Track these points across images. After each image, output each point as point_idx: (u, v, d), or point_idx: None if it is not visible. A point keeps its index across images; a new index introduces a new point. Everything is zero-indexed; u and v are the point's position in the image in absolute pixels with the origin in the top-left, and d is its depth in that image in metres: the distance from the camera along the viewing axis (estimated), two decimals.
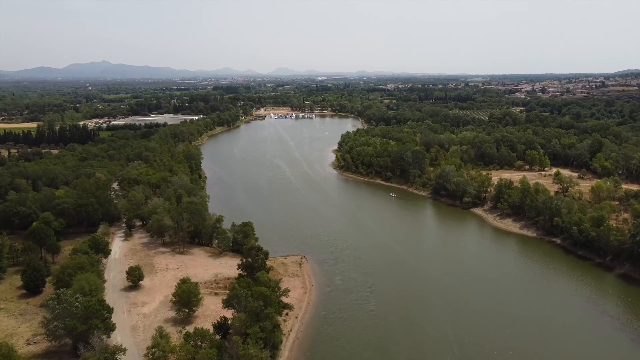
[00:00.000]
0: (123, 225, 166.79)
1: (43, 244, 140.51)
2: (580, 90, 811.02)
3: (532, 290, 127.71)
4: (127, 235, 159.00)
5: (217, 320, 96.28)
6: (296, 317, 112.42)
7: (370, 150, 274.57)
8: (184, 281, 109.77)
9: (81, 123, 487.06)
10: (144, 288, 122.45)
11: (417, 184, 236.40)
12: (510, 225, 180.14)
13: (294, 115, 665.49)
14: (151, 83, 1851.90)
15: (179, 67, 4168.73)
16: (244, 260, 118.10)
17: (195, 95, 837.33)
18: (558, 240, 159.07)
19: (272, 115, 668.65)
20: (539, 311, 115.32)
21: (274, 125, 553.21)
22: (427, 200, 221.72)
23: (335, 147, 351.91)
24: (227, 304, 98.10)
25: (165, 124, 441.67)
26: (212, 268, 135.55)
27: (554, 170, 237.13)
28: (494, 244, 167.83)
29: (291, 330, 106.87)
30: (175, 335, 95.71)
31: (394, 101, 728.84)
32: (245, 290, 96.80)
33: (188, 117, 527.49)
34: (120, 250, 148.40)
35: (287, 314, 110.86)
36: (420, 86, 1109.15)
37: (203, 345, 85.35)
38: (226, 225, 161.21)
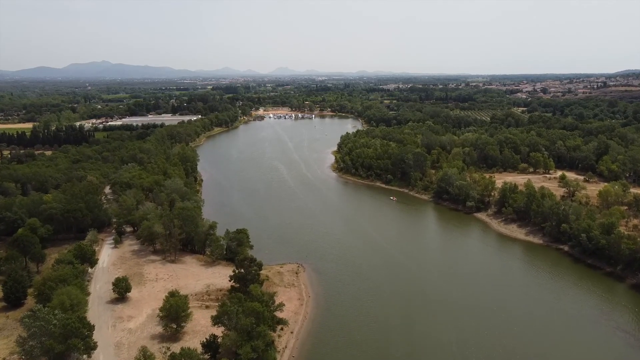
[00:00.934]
0: (113, 231, 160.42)
1: (27, 252, 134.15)
2: (582, 91, 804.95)
3: (541, 302, 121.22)
4: (117, 242, 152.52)
5: (205, 339, 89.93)
6: (291, 332, 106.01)
7: (370, 152, 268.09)
8: (173, 294, 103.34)
9: (77, 124, 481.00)
10: (131, 300, 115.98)
11: (418, 187, 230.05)
12: (515, 231, 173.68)
13: (293, 115, 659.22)
14: (151, 83, 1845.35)
15: (179, 67, 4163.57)
16: (237, 271, 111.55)
17: (194, 95, 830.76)
18: (566, 248, 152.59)
19: (271, 115, 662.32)
20: (549, 326, 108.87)
21: (273, 126, 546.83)
22: (429, 204, 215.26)
23: (335, 148, 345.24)
24: (216, 321, 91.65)
25: (162, 125, 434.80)
26: (204, 278, 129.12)
27: (559, 173, 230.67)
28: (499, 251, 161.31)
29: (286, 347, 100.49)
30: (160, 356, 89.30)
31: (394, 101, 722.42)
32: (236, 306, 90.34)
33: (186, 118, 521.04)
34: (109, 259, 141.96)
35: (282, 329, 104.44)
36: (420, 86, 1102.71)
37: None
38: (220, 231, 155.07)
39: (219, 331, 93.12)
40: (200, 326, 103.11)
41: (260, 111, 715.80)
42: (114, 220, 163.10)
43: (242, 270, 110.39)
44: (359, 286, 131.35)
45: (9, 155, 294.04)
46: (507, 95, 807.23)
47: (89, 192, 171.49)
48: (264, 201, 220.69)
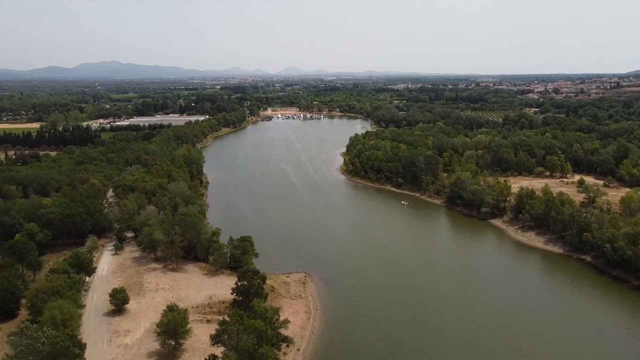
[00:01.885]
0: (114, 237, 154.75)
1: (23, 260, 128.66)
2: (594, 91, 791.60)
3: (564, 318, 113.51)
4: (118, 249, 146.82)
5: (204, 359, 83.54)
6: (298, 350, 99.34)
7: (380, 155, 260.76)
8: (172, 308, 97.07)
9: (85, 124, 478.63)
10: (129, 313, 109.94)
11: (430, 191, 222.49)
12: (533, 239, 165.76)
13: (301, 115, 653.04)
14: (160, 83, 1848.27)
15: (189, 67, 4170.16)
16: (239, 283, 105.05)
17: (202, 95, 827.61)
18: (588, 258, 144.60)
19: (279, 115, 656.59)
20: (573, 345, 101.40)
21: (281, 127, 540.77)
22: (441, 209, 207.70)
23: (344, 149, 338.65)
24: (216, 340, 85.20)
25: (169, 125, 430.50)
26: (206, 288, 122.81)
27: (577, 177, 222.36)
28: (516, 260, 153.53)
29: None
30: None
31: (403, 102, 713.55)
32: (236, 325, 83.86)
33: (193, 118, 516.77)
34: (109, 266, 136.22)
35: (287, 346, 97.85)
36: (430, 86, 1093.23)
37: None
38: (225, 237, 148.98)
39: (219, 351, 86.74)
40: (201, 343, 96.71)
41: (269, 111, 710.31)
42: (115, 225, 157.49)
43: (245, 283, 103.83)
44: (369, 298, 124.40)
45: (14, 156, 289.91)
46: (519, 96, 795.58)
47: (89, 196, 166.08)
48: (270, 205, 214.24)
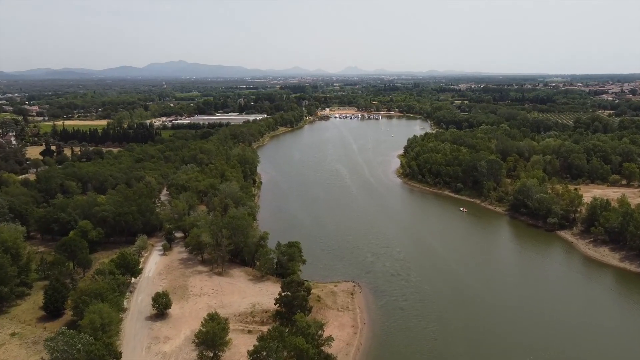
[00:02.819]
0: (164, 237, 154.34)
1: (74, 257, 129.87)
2: None
3: None
4: (166, 249, 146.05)
5: None
6: None
7: (439, 158, 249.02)
8: (212, 317, 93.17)
9: (148, 121, 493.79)
10: (171, 318, 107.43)
11: (491, 198, 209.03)
12: (606, 255, 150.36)
13: (359, 115, 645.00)
14: (223, 82, 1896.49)
15: (251, 67, 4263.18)
16: (283, 294, 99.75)
17: (262, 94, 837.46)
18: None
19: (337, 115, 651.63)
20: None
21: (338, 127, 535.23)
22: (504, 218, 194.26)
23: (401, 151, 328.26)
24: (254, 357, 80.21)
25: (228, 124, 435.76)
26: (250, 295, 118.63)
27: None
28: (587, 278, 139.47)
29: None
30: None
31: (465, 102, 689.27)
32: (276, 342, 78.46)
33: (252, 117, 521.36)
34: (156, 267, 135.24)
35: None
36: (494, 86, 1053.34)
37: None
38: (274, 240, 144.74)
39: None
40: (240, 355, 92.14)
41: (326, 111, 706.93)
42: (166, 225, 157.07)
43: (289, 294, 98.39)
44: (421, 314, 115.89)
45: (79, 152, 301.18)
46: (591, 97, 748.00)
47: (142, 195, 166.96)
48: (322, 208, 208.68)
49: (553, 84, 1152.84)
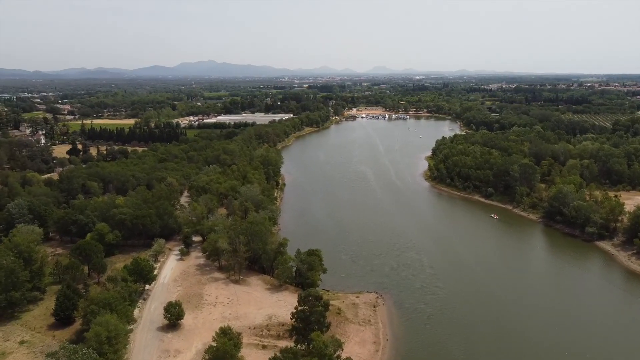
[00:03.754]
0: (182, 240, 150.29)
1: (89, 261, 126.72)
2: None
3: None
4: (183, 254, 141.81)
5: None
6: None
7: (468, 161, 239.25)
8: (224, 331, 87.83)
9: (175, 121, 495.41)
10: (183, 329, 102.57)
11: (524, 204, 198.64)
12: None
13: (386, 116, 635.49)
14: (251, 81, 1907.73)
15: (279, 66, 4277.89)
16: (299, 308, 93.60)
17: (288, 94, 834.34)
18: None
19: (363, 115, 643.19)
20: None
21: (364, 127, 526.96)
22: (537, 225, 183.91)
23: (429, 153, 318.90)
24: None
25: (253, 124, 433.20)
26: (266, 306, 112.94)
27: None
28: (629, 294, 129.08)
29: None
30: None
31: (496, 103, 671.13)
32: None
33: (277, 117, 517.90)
34: (172, 273, 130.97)
35: None
36: (526, 86, 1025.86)
37: None
38: (295, 245, 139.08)
39: None
40: None
41: (353, 111, 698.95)
42: (184, 228, 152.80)
43: (306, 308, 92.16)
44: (449, 330, 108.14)
45: (104, 152, 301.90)
46: (629, 98, 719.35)
47: (160, 197, 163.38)
48: (346, 212, 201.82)
49: (588, 84, 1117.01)
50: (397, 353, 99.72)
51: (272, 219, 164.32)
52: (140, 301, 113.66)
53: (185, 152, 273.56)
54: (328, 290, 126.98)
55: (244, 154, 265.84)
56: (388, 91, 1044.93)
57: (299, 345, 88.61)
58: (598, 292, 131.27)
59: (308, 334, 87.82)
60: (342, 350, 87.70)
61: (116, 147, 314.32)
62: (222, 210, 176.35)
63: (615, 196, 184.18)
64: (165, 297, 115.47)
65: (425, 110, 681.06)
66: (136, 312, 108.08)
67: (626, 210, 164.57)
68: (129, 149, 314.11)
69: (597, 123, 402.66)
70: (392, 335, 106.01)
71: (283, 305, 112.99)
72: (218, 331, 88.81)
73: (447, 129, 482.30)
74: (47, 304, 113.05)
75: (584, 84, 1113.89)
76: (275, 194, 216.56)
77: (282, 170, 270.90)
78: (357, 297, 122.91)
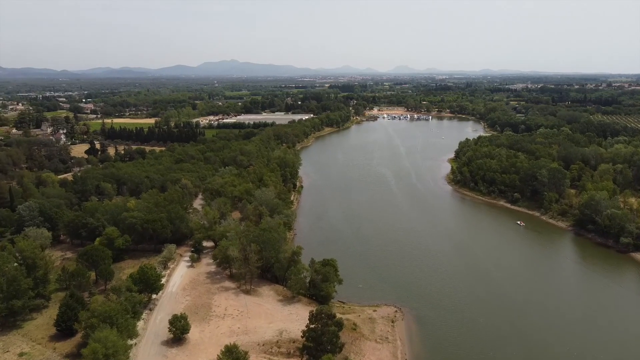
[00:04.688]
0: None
1: (96, 267, 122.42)
2: None
3: None
4: (194, 261, 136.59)
5: None
6: None
7: (493, 164, 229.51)
8: (230, 350, 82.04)
9: (195, 120, 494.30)
10: (188, 343, 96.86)
11: (553, 211, 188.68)
12: None
13: (408, 116, 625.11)
14: (273, 81, 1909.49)
15: (301, 66, 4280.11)
16: (311, 326, 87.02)
17: (309, 93, 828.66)
18: None
19: (385, 116, 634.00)
20: None
21: (385, 127, 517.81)
22: (567, 234, 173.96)
23: (452, 155, 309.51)
24: None
25: (273, 124, 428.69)
26: (278, 320, 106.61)
27: None
28: None
29: None
30: None
31: (522, 103, 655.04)
32: None
33: (297, 117, 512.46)
34: (181, 281, 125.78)
35: None
36: (552, 86, 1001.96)
37: None
38: (310, 253, 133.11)
39: None
40: None
41: (375, 111, 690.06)
42: (196, 233, 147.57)
43: (318, 326, 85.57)
44: (472, 349, 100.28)
45: (122, 151, 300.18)
46: None
47: (172, 200, 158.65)
48: (365, 217, 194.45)
49: (617, 84, 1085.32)
50: None
51: (287, 224, 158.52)
52: (146, 312, 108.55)
53: (203, 153, 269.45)
54: (343, 303, 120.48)
55: (262, 155, 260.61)
56: (410, 91, 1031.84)
57: None
58: (633, 309, 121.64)
59: (320, 355, 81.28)
60: None
61: (134, 147, 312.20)
62: (236, 214, 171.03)
63: None
64: (172, 308, 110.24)
65: (448, 110, 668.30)
66: (141, 323, 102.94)
67: None
68: (147, 148, 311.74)
69: (629, 125, 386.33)
70: (411, 354, 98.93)
71: (295, 319, 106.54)
72: (223, 349, 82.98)
73: (471, 130, 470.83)
74: (52, 312, 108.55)
75: (613, 84, 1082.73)
76: (292, 197, 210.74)
77: (300, 172, 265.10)
78: (375, 310, 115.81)
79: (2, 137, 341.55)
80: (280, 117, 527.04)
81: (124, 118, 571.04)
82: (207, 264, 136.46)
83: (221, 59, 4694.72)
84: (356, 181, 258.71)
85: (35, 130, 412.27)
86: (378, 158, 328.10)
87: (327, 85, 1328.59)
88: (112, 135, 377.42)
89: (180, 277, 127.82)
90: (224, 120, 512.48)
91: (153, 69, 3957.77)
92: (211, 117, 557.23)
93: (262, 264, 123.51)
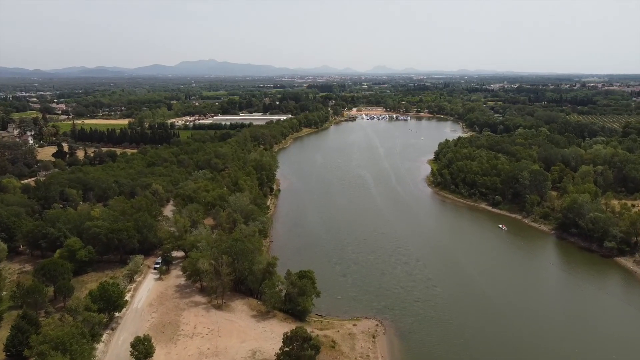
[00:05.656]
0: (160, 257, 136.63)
1: (55, 282, 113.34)
2: None
3: None
4: (162, 273, 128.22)
5: None
6: None
7: (474, 167, 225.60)
8: None
9: (170, 121, 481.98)
10: None
11: (535, 214, 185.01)
12: None
13: (387, 116, 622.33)
14: (251, 80, 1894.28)
15: (279, 65, 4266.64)
16: (284, 350, 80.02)
17: (287, 93, 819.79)
18: None
19: (364, 116, 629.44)
20: None
21: (364, 128, 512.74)
22: (550, 238, 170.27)
23: (431, 156, 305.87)
24: None
25: (250, 124, 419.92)
26: (251, 339, 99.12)
27: None
28: None
29: None
30: None
31: (499, 103, 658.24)
32: None
33: (275, 117, 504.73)
34: (148, 295, 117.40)
35: None
36: (528, 86, 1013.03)
37: None
38: (284, 263, 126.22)
39: None
40: None
41: (353, 111, 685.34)
42: (165, 243, 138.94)
43: (293, 350, 78.63)
44: None
45: (92, 154, 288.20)
46: (634, 98, 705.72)
47: (140, 208, 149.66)
48: (344, 222, 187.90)
49: (591, 84, 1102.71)
50: None
51: (263, 232, 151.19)
52: (108, 332, 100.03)
53: (176, 155, 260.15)
54: (322, 316, 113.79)
55: (237, 157, 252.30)
56: (389, 91, 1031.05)
57: None
58: (617, 314, 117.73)
59: None
60: None
61: (104, 150, 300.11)
62: (210, 221, 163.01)
63: (633, 206, 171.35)
64: (137, 327, 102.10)
65: (426, 110, 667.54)
66: (101, 346, 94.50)
67: None
68: (119, 151, 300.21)
69: (606, 125, 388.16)
70: None
71: (270, 337, 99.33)
72: None
73: (449, 130, 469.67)
74: (3, 334, 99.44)
75: (587, 84, 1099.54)
76: (269, 202, 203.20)
77: (278, 175, 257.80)
78: (355, 325, 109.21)
79: None
80: (258, 118, 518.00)
81: (96, 119, 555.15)
82: (176, 276, 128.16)
83: (199, 59, 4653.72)
84: (335, 184, 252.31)
85: (0, 132, 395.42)
86: (357, 159, 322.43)
87: (305, 85, 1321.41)
88: (83, 137, 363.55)
89: (147, 291, 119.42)
90: (201, 121, 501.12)
91: (130, 68, 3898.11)
92: (187, 118, 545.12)
93: (235, 277, 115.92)
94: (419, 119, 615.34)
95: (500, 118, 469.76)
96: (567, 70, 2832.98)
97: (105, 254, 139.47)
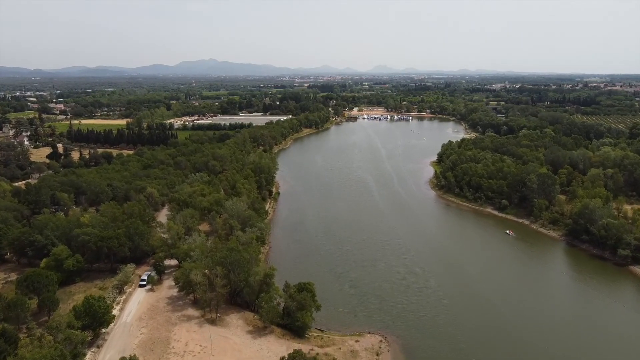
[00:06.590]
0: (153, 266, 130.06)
1: (39, 294, 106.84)
2: None
3: None
4: (153, 284, 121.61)
5: None
6: None
7: (479, 169, 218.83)
8: None
9: (169, 121, 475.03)
10: None
11: (543, 219, 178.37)
12: None
13: (388, 117, 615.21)
14: (252, 80, 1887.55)
15: (280, 65, 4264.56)
16: None
17: (288, 93, 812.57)
18: None
19: (365, 116, 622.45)
20: None
21: (365, 129, 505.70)
22: (559, 245, 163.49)
23: (434, 158, 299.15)
24: None
25: (250, 125, 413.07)
26: (246, 357, 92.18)
27: None
28: None
29: None
30: None
31: (502, 103, 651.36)
32: None
33: (275, 118, 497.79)
34: (138, 308, 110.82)
35: None
36: (530, 86, 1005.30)
37: None
38: (282, 274, 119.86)
39: None
40: None
41: (354, 111, 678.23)
42: (158, 251, 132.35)
43: None
44: None
45: (87, 155, 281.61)
46: (637, 98, 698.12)
47: (132, 214, 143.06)
48: (346, 227, 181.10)
49: (593, 84, 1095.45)
50: None
51: (261, 239, 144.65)
52: (93, 350, 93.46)
53: (173, 157, 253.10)
54: (322, 331, 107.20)
55: (236, 159, 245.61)
56: (390, 91, 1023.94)
57: None
58: (634, 327, 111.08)
59: None
60: None
61: (100, 151, 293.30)
62: (206, 226, 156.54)
63: None
64: (124, 344, 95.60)
65: (428, 111, 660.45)
66: None
67: None
68: (115, 152, 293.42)
69: (612, 126, 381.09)
70: None
71: (267, 355, 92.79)
72: None
73: (452, 131, 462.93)
74: None
75: (589, 84, 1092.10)
76: (268, 206, 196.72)
77: (277, 177, 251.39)
78: (357, 341, 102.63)
79: None
80: (257, 118, 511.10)
81: (94, 119, 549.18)
82: (169, 287, 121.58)
83: (200, 58, 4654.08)
84: (336, 187, 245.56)
85: None
86: (358, 161, 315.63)
87: (306, 85, 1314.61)
88: (79, 137, 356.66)
89: (138, 304, 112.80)
90: (200, 122, 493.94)
91: (130, 68, 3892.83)
92: (186, 118, 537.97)
93: (230, 288, 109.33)
94: (421, 119, 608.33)
95: (504, 119, 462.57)
96: (568, 70, 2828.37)
97: (95, 262, 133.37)
